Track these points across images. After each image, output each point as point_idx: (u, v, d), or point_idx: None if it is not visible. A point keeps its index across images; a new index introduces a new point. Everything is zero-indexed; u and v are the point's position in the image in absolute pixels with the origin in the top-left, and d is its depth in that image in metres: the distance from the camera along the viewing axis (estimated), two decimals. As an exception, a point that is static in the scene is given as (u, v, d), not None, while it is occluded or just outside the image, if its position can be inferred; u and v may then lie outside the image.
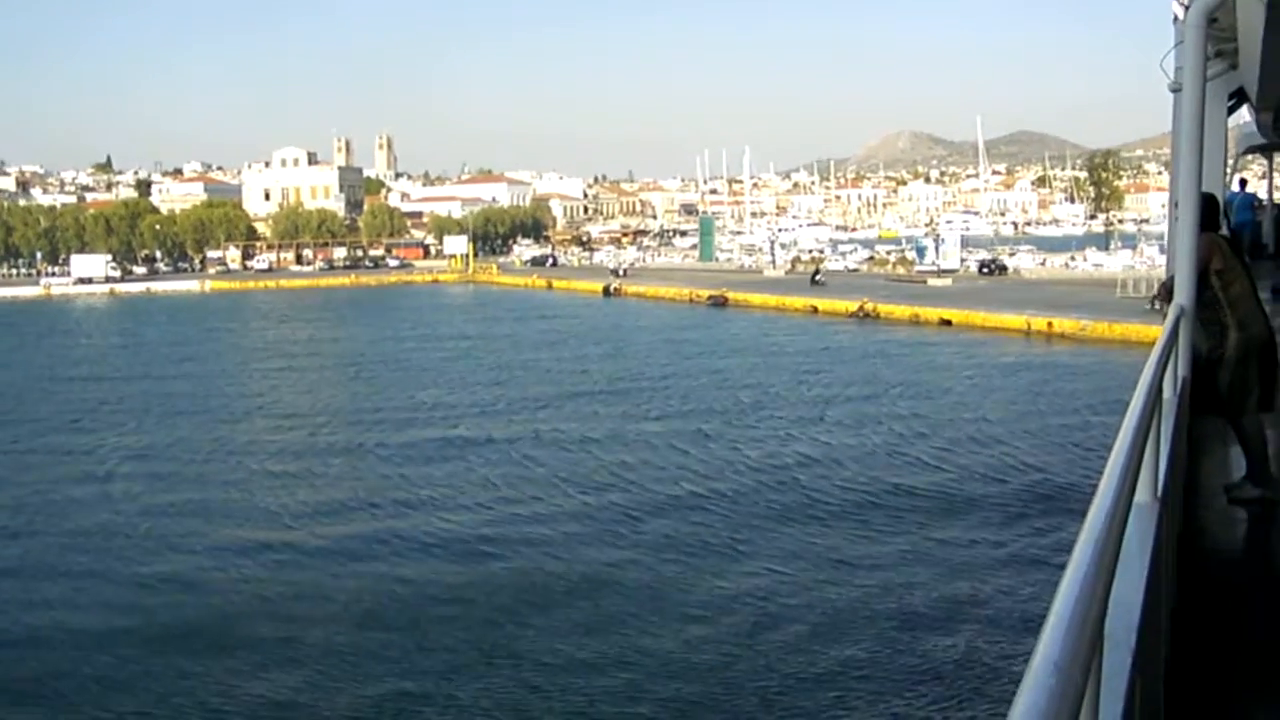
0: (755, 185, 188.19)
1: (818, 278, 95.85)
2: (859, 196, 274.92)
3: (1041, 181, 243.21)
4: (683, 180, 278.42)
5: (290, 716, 17.27)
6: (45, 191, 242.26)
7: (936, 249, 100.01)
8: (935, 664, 18.15)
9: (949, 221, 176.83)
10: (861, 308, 73.46)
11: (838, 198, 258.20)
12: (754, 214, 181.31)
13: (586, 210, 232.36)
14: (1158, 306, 56.16)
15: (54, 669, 19.14)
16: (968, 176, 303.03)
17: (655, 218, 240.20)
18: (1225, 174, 17.11)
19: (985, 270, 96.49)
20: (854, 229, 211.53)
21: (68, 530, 28.14)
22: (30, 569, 25.01)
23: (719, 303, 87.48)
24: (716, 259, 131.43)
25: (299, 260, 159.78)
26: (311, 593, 22.90)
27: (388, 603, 22.13)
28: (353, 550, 25.71)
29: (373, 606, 21.98)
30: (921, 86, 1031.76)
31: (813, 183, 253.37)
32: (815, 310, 77.85)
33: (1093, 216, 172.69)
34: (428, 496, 30.63)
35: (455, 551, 25.41)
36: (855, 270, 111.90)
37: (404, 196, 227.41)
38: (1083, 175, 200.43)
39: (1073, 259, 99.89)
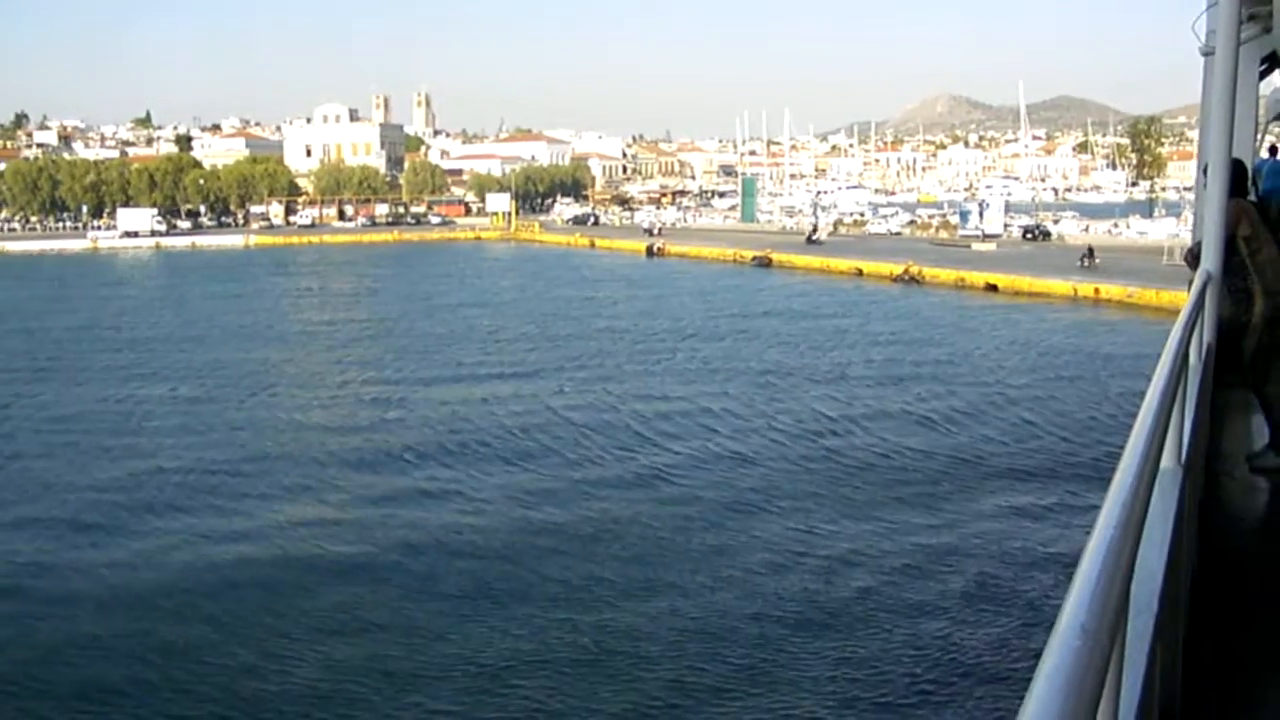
0: (794, 147, 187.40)
1: (814, 237, 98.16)
2: (898, 160, 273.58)
3: (1083, 147, 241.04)
4: (721, 141, 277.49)
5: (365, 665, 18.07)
6: (87, 146, 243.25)
7: (980, 214, 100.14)
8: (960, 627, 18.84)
9: (989, 186, 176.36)
10: (906, 271, 73.76)
11: (876, 161, 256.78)
12: (792, 176, 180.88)
13: (625, 170, 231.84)
14: (1085, 264, 56.59)
15: (100, 627, 19.45)
16: (1007, 141, 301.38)
17: (694, 178, 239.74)
18: (1256, 141, 17.12)
19: (1029, 236, 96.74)
20: (893, 192, 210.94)
21: (108, 482, 28.94)
22: (67, 522, 25.34)
23: (763, 264, 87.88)
24: (757, 220, 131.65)
25: (341, 216, 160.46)
26: (358, 543, 23.77)
27: (411, 557, 22.68)
28: (392, 502, 26.65)
29: (408, 558, 22.77)
30: (960, 49, 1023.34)
31: (851, 145, 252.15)
32: (860, 273, 78.19)
33: (1134, 183, 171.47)
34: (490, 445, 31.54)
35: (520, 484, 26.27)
36: (898, 234, 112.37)
37: (444, 154, 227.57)
38: (1125, 141, 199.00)
39: (1116, 226, 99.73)
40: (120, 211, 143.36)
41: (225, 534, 24.10)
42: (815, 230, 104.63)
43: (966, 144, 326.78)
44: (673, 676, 16.82)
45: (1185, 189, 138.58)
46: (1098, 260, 70.29)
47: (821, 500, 25.53)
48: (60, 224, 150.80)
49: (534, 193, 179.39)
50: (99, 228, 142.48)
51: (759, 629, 18.46)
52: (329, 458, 30.74)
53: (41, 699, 16.71)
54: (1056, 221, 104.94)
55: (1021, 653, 17.03)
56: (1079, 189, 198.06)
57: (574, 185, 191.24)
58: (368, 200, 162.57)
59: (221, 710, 16.19)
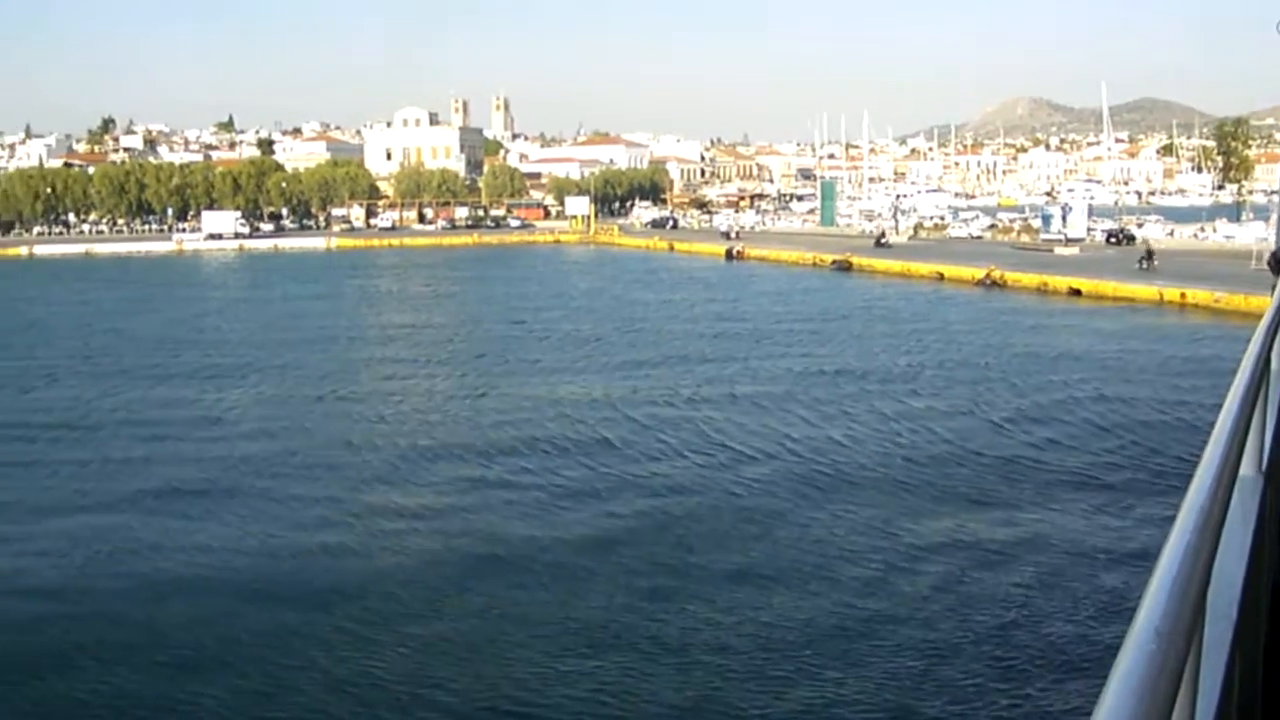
0: (873, 150, 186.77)
1: (883, 241, 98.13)
2: (978, 163, 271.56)
3: (1167, 150, 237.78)
4: (799, 145, 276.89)
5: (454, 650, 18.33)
6: (171, 150, 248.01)
7: (1063, 218, 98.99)
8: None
9: (1071, 190, 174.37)
10: (988, 275, 73.08)
11: (956, 164, 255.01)
12: (871, 179, 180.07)
13: (703, 173, 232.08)
14: (1145, 266, 55.23)
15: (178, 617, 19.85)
16: (1089, 144, 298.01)
17: (772, 181, 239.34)
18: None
19: (1113, 240, 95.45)
20: (973, 196, 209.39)
21: (202, 478, 29.59)
22: (157, 512, 26.01)
23: (843, 267, 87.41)
24: (837, 224, 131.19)
25: (421, 219, 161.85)
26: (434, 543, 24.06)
27: (473, 561, 22.72)
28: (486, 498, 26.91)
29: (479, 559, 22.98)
30: (1040, 52, 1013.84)
31: (930, 149, 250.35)
32: (941, 277, 77.59)
33: (1220, 187, 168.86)
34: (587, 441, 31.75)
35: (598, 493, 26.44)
36: (979, 237, 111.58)
37: (522, 157, 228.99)
38: (1210, 144, 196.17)
39: (1202, 230, 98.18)
40: (204, 214, 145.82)
41: (308, 524, 24.65)
42: (884, 235, 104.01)
43: (1048, 147, 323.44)
44: (754, 664, 17.07)
45: (1273, 192, 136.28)
46: (1156, 262, 70.17)
47: (901, 497, 25.54)
48: (146, 226, 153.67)
49: (612, 196, 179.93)
50: (184, 230, 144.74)
51: (837, 619, 18.66)
52: (404, 458, 31.07)
53: (142, 672, 17.32)
54: (1140, 225, 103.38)
55: (1100, 648, 16.97)
56: (1163, 192, 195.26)
57: (652, 189, 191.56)
58: (447, 203, 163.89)
59: (313, 690, 16.56)
